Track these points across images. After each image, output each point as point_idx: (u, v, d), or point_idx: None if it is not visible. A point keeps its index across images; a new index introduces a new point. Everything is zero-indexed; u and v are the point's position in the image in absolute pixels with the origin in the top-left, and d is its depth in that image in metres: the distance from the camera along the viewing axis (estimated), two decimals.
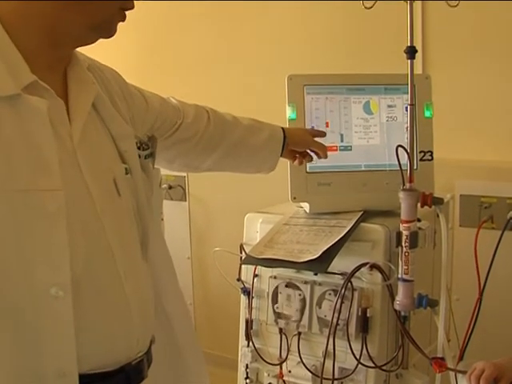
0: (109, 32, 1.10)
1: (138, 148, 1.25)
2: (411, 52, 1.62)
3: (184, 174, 2.83)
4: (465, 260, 2.03)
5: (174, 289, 1.41)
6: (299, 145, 1.69)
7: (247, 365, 1.86)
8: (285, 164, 1.75)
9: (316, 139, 1.71)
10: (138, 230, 1.19)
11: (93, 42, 1.11)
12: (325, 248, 1.62)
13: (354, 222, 1.70)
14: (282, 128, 1.67)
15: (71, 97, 1.10)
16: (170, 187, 2.85)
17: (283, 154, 1.67)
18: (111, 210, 1.09)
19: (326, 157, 1.70)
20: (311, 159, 1.71)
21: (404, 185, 1.58)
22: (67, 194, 1.00)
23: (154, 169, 1.33)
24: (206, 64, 2.81)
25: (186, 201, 2.88)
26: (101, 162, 1.11)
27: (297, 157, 1.71)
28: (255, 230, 1.85)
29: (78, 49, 1.16)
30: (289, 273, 1.75)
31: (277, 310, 1.77)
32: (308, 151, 1.70)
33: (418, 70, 2.20)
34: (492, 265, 1.98)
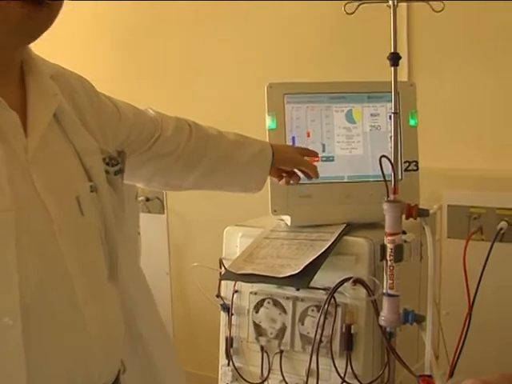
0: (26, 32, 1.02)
1: (107, 164, 1.21)
2: (394, 59, 1.64)
3: None
4: (454, 273, 2.06)
5: (149, 310, 1.39)
6: (287, 163, 1.68)
7: None
8: None
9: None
10: (105, 251, 1.15)
11: (22, 45, 1.07)
12: (307, 262, 1.64)
13: (336, 235, 1.72)
14: (271, 145, 1.67)
15: (30, 108, 1.05)
16: (148, 200, 2.86)
17: (270, 172, 1.66)
18: (72, 230, 1.05)
19: (317, 177, 1.69)
20: (298, 179, 1.70)
21: (388, 196, 1.59)
22: (19, 213, 0.96)
23: (124, 185, 1.29)
24: (183, 71, 2.83)
25: (164, 214, 2.89)
26: (61, 179, 1.07)
27: (283, 176, 1.70)
28: (235, 244, 1.87)
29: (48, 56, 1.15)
30: (270, 288, 1.76)
31: (258, 327, 1.78)
32: (296, 170, 1.69)
33: (404, 78, 2.23)
34: (482, 278, 2.00)
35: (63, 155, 1.11)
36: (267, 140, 1.77)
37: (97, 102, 1.28)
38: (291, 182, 1.70)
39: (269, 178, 1.76)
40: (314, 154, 1.74)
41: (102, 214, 1.15)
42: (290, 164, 1.68)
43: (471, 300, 1.99)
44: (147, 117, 1.47)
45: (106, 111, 1.31)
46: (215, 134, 1.58)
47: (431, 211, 1.94)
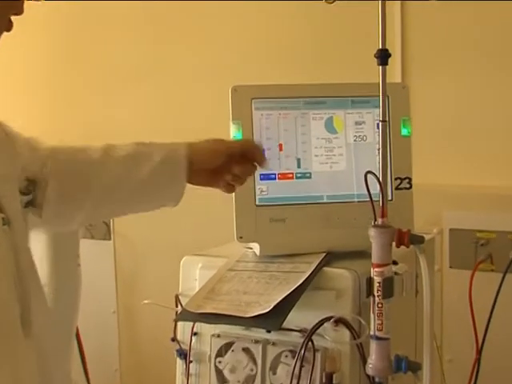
0: None
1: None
2: (383, 56, 1.66)
3: None
4: (458, 310, 2.09)
5: (62, 372, 1.39)
6: (208, 160, 1.61)
7: None
8: (229, 196, 1.79)
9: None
10: (18, 299, 1.15)
11: None
12: (279, 299, 1.66)
13: (314, 267, 1.75)
14: (190, 144, 1.61)
15: None
16: (91, 224, 2.88)
17: (195, 179, 1.62)
18: None
19: (264, 161, 1.65)
20: (241, 182, 1.66)
21: (375, 220, 1.63)
22: None
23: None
24: (133, 75, 2.87)
25: (110, 240, 2.91)
26: None
27: (225, 180, 1.66)
28: (193, 277, 1.89)
29: None
30: (235, 330, 1.78)
31: (221, 377, 1.80)
32: (234, 169, 1.62)
33: (396, 80, 2.28)
34: (492, 316, 2.03)
35: None
36: None
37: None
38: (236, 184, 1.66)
39: (233, 197, 1.80)
40: (257, 149, 1.67)
41: (14, 251, 1.15)
42: (211, 160, 1.61)
43: (479, 343, 2.02)
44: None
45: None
46: (97, 158, 1.55)
47: (429, 237, 1.98)
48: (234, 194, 1.79)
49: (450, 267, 2.28)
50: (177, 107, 2.79)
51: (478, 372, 1.96)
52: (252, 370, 1.77)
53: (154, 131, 2.89)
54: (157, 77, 2.84)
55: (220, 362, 1.80)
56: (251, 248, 1.92)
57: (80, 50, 3.00)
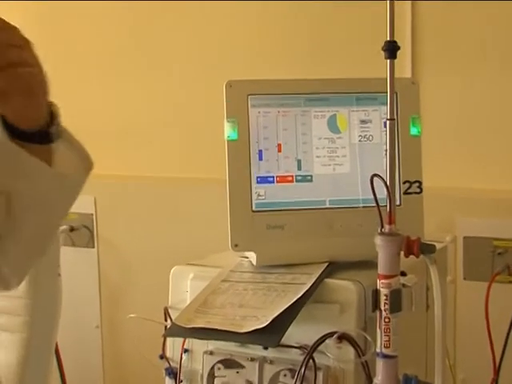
0: None
1: None
2: (391, 49, 1.66)
3: (91, 211, 2.88)
4: (473, 326, 2.10)
5: None
6: None
7: None
8: (223, 200, 1.81)
9: None
10: None
11: None
12: (277, 313, 1.66)
13: (315, 278, 1.76)
14: None
15: None
16: (72, 229, 2.89)
17: None
18: None
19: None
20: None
21: (382, 227, 1.63)
22: None
23: None
24: (115, 68, 2.88)
25: (93, 247, 2.92)
26: None
27: None
28: (184, 288, 1.89)
29: None
30: (230, 347, 1.78)
31: None
32: None
33: (406, 75, 2.28)
34: (510, 332, 2.04)
35: None
36: (226, 154, 1.81)
37: None
38: None
39: (227, 201, 1.81)
40: None
41: None
42: None
43: (497, 362, 2.02)
44: None
45: None
46: None
47: (441, 245, 1.98)
48: (228, 198, 1.80)
49: (464, 279, 2.28)
50: (167, 103, 2.80)
51: None
52: None
53: (143, 128, 2.91)
54: (145, 70, 2.84)
55: (213, 381, 1.80)
56: (247, 257, 1.93)
57: (56, 37, 3.01)
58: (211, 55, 2.70)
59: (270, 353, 1.75)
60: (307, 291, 1.72)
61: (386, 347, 1.61)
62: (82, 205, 2.87)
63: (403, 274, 1.68)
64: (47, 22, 3.05)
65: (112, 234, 2.90)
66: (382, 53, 1.66)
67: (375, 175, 1.62)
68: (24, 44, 1.31)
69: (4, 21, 1.31)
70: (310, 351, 1.68)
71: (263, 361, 1.76)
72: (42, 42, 1.28)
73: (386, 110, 1.72)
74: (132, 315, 1.94)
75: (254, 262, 1.88)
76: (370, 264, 1.75)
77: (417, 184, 1.88)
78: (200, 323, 1.72)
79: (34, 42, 1.25)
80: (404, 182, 1.87)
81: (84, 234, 2.90)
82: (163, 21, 2.83)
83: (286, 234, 1.85)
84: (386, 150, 1.72)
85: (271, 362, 1.75)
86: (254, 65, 2.56)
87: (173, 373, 1.87)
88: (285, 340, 1.66)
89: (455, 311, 2.26)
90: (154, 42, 2.85)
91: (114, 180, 2.90)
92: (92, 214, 2.88)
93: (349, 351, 1.69)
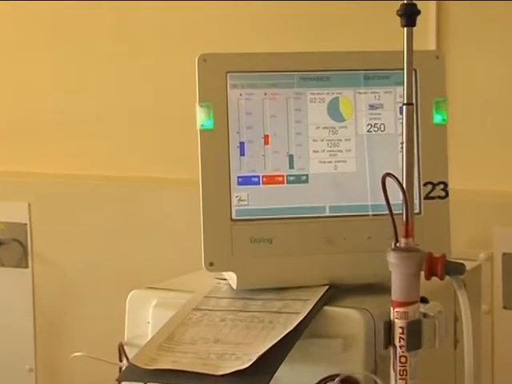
0: None
1: None
2: (408, 14, 1.67)
3: (25, 221, 2.87)
4: None
5: None
6: None
7: None
8: (195, 206, 1.81)
9: None
10: None
11: None
12: (262, 351, 1.65)
13: (312, 305, 1.76)
14: None
15: None
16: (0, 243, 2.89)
17: None
18: None
19: None
20: None
21: (397, 241, 1.63)
22: None
23: None
24: (74, 36, 2.90)
25: (27, 267, 2.91)
26: None
27: None
28: (145, 318, 1.89)
29: None
30: None
31: None
32: None
33: (429, 47, 2.28)
34: None
35: None
36: (198, 148, 1.81)
37: None
38: None
39: (201, 208, 1.81)
40: None
41: None
42: None
43: None
44: None
45: None
46: None
47: (473, 264, 1.99)
48: (201, 203, 1.80)
49: (504, 308, 2.28)
50: (120, 84, 2.81)
51: None
52: None
53: (88, 115, 2.91)
54: (106, 42, 2.85)
55: None
56: (225, 279, 1.94)
57: None
58: (179, 21, 2.71)
59: None
60: (301, 322, 1.71)
61: None
62: (13, 212, 2.85)
63: (424, 300, 1.69)
64: None
65: (50, 251, 2.88)
66: (398, 19, 1.67)
67: (388, 175, 1.63)
68: None
69: None
70: None
71: None
72: None
73: (401, 92, 1.73)
74: (76, 354, 1.93)
75: (234, 286, 1.88)
76: (380, 288, 1.77)
77: (441, 186, 1.88)
78: (165, 364, 1.70)
79: None
80: (425, 184, 1.86)
81: (15, 249, 2.89)
82: None
83: (274, 250, 1.84)
84: (402, 143, 1.73)
85: None
86: (235, 34, 2.56)
87: None
88: None
89: (493, 348, 2.26)
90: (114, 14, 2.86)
91: (53, 180, 2.89)
92: (25, 224, 2.86)
93: None
